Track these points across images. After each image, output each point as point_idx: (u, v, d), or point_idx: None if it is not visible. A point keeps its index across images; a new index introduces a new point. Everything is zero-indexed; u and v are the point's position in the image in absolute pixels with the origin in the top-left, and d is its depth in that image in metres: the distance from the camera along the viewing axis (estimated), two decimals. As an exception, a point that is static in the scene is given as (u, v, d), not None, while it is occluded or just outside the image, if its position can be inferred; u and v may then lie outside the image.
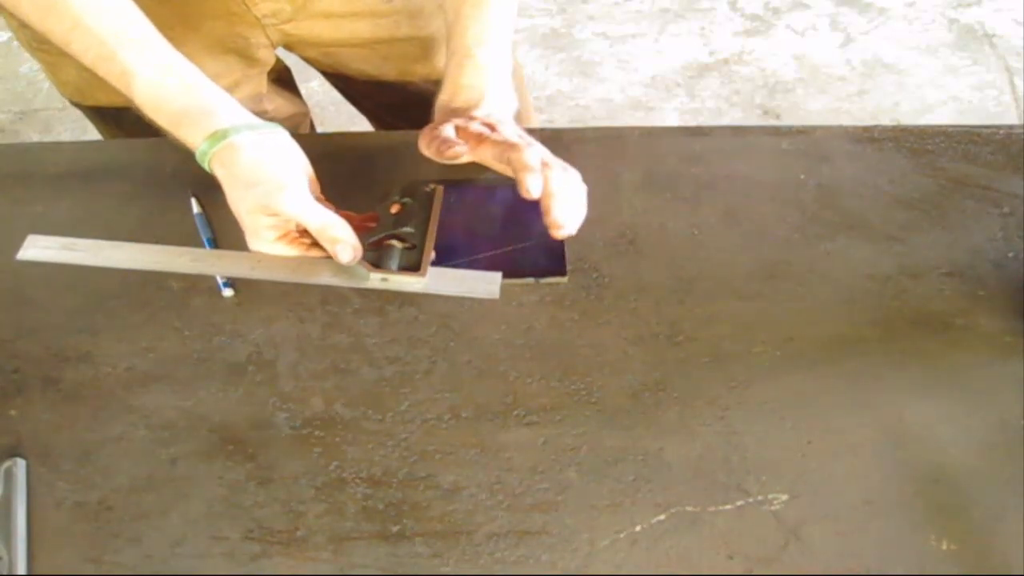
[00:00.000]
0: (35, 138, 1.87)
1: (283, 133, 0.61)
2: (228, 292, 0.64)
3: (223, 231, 0.67)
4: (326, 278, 0.60)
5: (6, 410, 0.58)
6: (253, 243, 0.60)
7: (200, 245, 0.66)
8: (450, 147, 0.62)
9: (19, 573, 0.51)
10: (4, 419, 0.58)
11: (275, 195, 0.57)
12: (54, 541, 0.53)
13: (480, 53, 0.67)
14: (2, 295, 0.64)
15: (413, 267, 0.61)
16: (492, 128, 0.64)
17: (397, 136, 0.76)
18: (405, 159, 0.73)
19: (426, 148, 0.65)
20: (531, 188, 0.59)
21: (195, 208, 0.68)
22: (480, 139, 0.63)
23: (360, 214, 0.64)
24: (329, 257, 0.60)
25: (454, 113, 0.67)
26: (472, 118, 0.65)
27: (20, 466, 0.55)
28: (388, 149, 0.74)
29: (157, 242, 0.67)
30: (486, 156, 0.63)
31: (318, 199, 0.61)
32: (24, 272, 0.65)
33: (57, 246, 0.60)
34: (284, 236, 0.60)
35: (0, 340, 0.62)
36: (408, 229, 0.63)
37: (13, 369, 0.60)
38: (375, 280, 0.61)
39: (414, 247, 0.62)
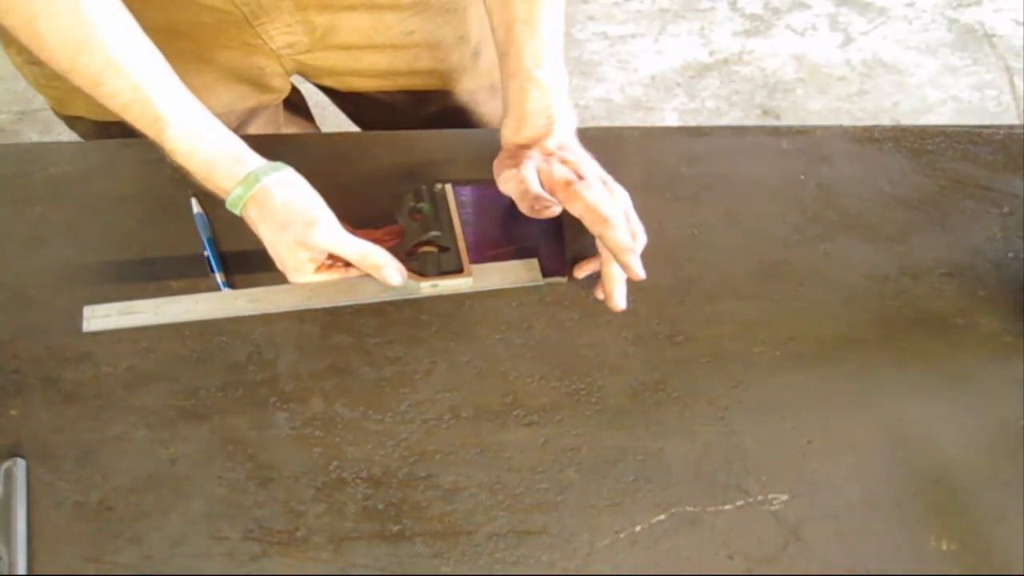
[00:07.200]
0: (35, 138, 1.87)
1: (292, 169, 0.62)
2: (228, 292, 0.64)
3: (223, 231, 0.67)
4: (381, 295, 0.62)
5: (6, 410, 0.58)
6: (295, 277, 0.62)
7: (200, 245, 0.66)
8: (545, 207, 0.61)
9: (19, 573, 0.51)
10: (4, 419, 0.58)
11: (309, 231, 0.59)
12: (54, 541, 0.53)
13: (541, 75, 0.64)
14: (2, 295, 0.64)
15: (454, 269, 0.63)
16: (576, 171, 0.62)
17: (398, 135, 0.76)
18: (406, 158, 0.73)
19: (515, 195, 0.63)
20: (636, 271, 0.59)
21: (195, 208, 0.68)
22: (567, 186, 0.61)
23: (379, 229, 0.65)
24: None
25: (523, 147, 0.64)
26: (548, 152, 0.64)
27: (20, 466, 0.55)
28: (389, 148, 0.74)
29: (158, 242, 0.67)
30: (576, 210, 0.61)
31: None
32: (24, 272, 0.65)
33: (116, 312, 0.61)
34: (320, 266, 0.62)
35: (0, 340, 0.62)
36: (435, 232, 0.65)
37: (13, 369, 0.60)
38: (426, 288, 0.63)
39: (447, 249, 0.64)
